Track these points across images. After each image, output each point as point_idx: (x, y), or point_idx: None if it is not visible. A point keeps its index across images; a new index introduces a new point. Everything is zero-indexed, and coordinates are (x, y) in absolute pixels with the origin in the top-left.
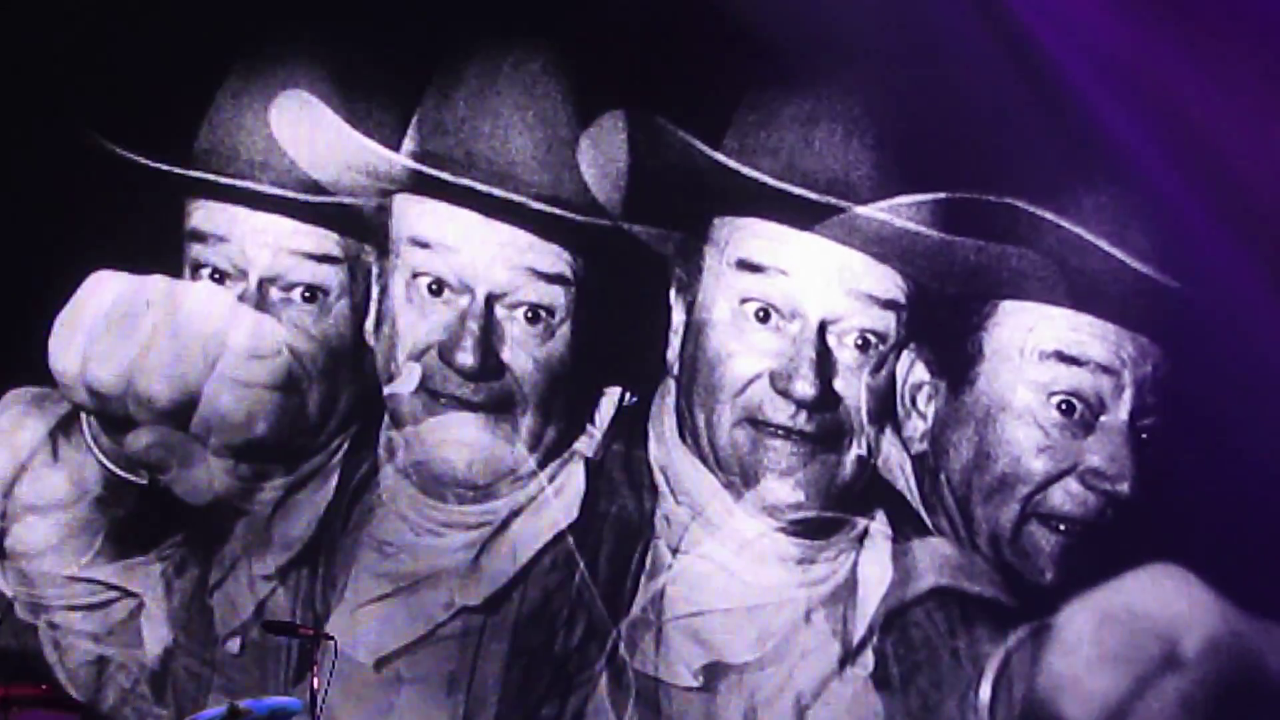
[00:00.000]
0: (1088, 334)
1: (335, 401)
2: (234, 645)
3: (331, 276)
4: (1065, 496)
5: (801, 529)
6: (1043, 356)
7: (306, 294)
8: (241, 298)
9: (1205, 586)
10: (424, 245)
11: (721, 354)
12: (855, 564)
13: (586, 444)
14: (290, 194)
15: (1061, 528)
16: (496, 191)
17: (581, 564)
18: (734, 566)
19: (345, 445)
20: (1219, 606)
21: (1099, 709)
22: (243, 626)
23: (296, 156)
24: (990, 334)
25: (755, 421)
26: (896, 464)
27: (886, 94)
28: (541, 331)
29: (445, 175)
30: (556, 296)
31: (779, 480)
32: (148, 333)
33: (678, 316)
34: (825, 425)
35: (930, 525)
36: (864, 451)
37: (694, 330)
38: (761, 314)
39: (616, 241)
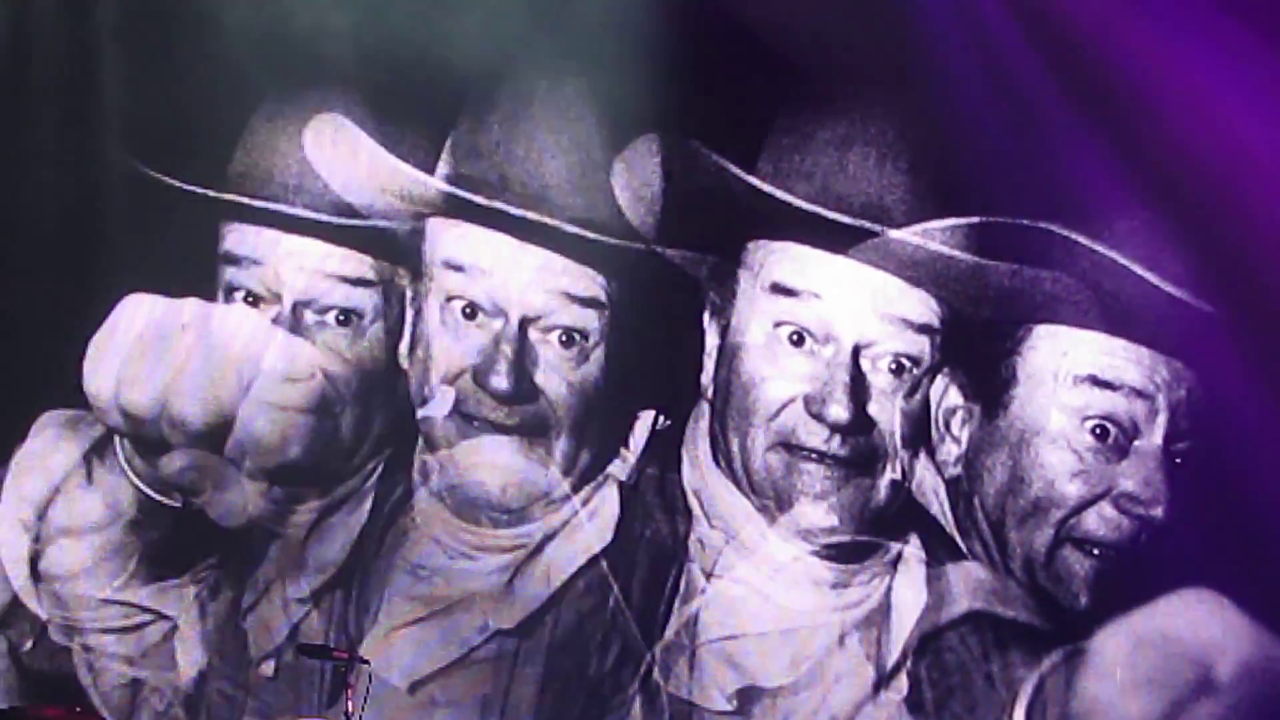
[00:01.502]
0: (1122, 358)
1: (369, 425)
2: (268, 668)
3: (365, 300)
4: (1099, 521)
5: (835, 553)
6: (1077, 381)
7: (340, 317)
8: (275, 321)
9: (1239, 611)
10: (458, 268)
11: (755, 378)
12: (889, 588)
13: (620, 467)
14: (324, 217)
15: (1095, 552)
16: (530, 215)
17: (615, 587)
18: (768, 590)
19: (379, 468)
20: (1253, 631)
21: None
22: (276, 649)
23: (330, 180)
24: (1024, 358)
25: (789, 445)
26: (930, 488)
27: (920, 117)
28: (575, 355)
29: (479, 198)
30: (590, 320)
31: (813, 504)
32: (182, 356)
33: (711, 340)
34: (859, 449)
35: (964, 549)
36: (898, 475)
37: (728, 354)
38: (795, 338)
39: (650, 265)
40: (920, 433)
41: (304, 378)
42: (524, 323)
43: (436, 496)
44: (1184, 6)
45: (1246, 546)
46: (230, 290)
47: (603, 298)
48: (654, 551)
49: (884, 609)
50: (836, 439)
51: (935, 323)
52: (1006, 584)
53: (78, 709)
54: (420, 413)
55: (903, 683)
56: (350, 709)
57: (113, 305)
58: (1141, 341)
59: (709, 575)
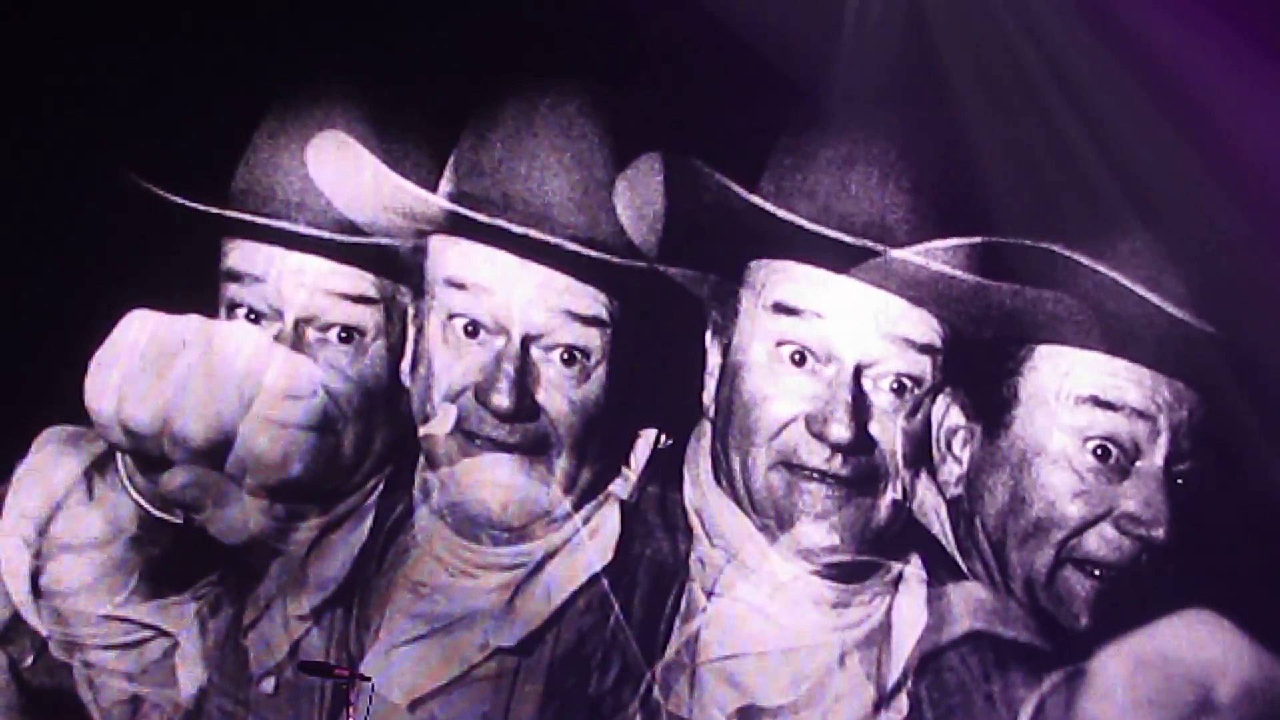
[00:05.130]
0: (1123, 379)
1: (371, 442)
2: (268, 685)
3: (367, 317)
4: (1100, 541)
5: (836, 572)
6: (1078, 401)
7: (343, 334)
8: (277, 338)
9: (1240, 632)
10: (460, 286)
11: (757, 397)
12: (890, 608)
13: (621, 486)
14: (326, 234)
15: (1096, 573)
16: (533, 233)
17: (616, 606)
18: (768, 610)
19: (380, 486)
20: (1254, 653)
21: None
22: (277, 666)
23: (333, 197)
24: (1026, 378)
25: (790, 465)
26: (931, 508)
27: (923, 137)
28: (577, 373)
29: (481, 216)
30: (592, 338)
31: (814, 524)
32: (183, 372)
33: (713, 359)
34: (860, 469)
35: (965, 569)
36: (899, 495)
37: (729, 373)
38: (797, 357)
39: (652, 284)
40: (922, 452)
41: (305, 395)
42: (526, 341)
43: (437, 514)
44: (1188, 25)
45: (1248, 568)
46: (232, 307)
47: (605, 316)
48: (655, 570)
49: (885, 629)
50: (838, 458)
51: (937, 342)
52: (1007, 604)
53: None
54: (422, 430)
55: (903, 703)
56: None
57: (114, 321)
58: (1143, 362)
59: (710, 594)
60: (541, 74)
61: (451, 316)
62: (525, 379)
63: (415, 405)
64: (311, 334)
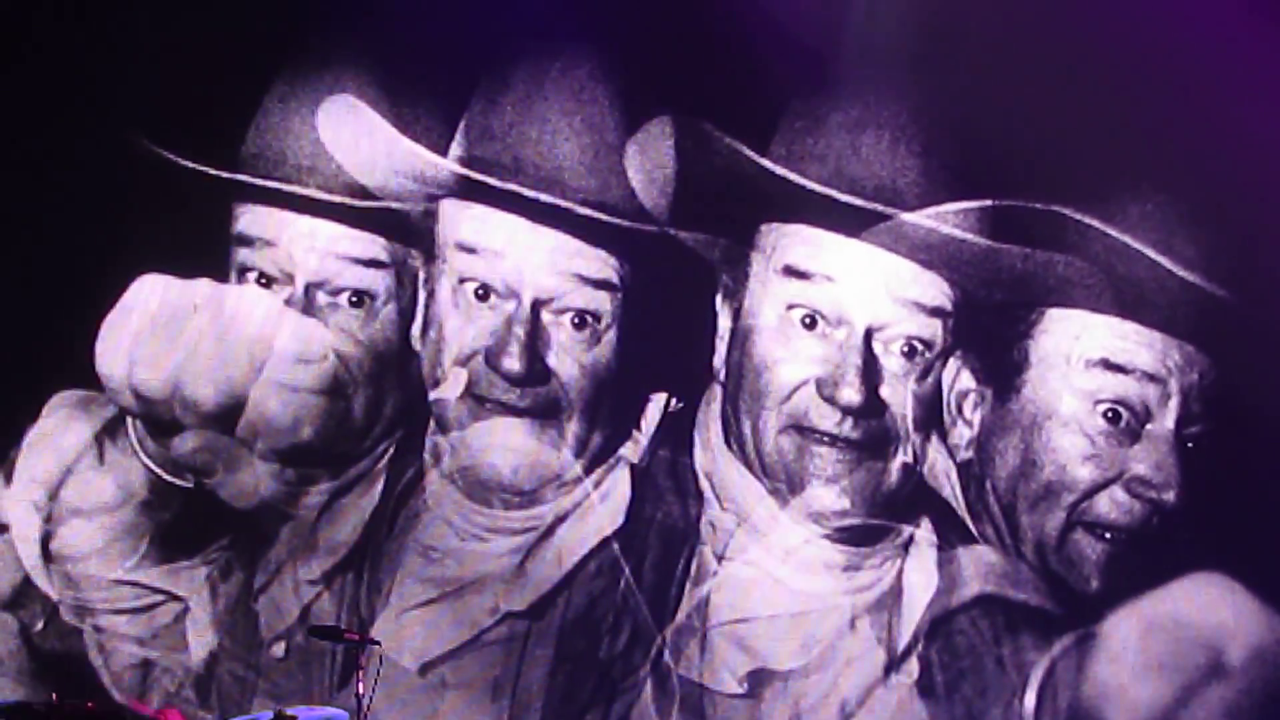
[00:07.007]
0: (1134, 342)
1: (381, 406)
2: (279, 649)
3: (378, 281)
4: (1111, 505)
5: (847, 536)
6: (1089, 364)
7: (353, 299)
8: (288, 302)
9: (1250, 595)
10: (471, 250)
11: (767, 360)
12: (900, 571)
13: (632, 450)
14: (337, 199)
15: (1107, 536)
16: (543, 197)
17: (627, 570)
18: (779, 573)
19: (391, 450)
20: (1264, 615)
21: (1144, 717)
22: (287, 631)
23: (343, 161)
24: (1036, 341)
25: (801, 428)
26: (942, 471)
27: (933, 101)
28: (588, 337)
29: (492, 180)
30: (603, 302)
31: (824, 487)
32: (194, 336)
33: (724, 323)
34: (871, 432)
35: (976, 533)
36: (910, 459)
37: (740, 336)
38: (808, 321)
39: (663, 247)
40: (932, 416)
41: (316, 359)
42: (536, 305)
43: (448, 478)
44: None
45: (1258, 531)
46: (243, 271)
47: (615, 280)
48: (665, 534)
49: (895, 592)
50: (848, 422)
51: (947, 306)
52: (1018, 567)
53: (89, 704)
54: (432, 394)
55: (913, 666)
56: (361, 690)
57: (125, 286)
58: (1154, 325)
59: (720, 558)
60: (552, 38)
61: (462, 280)
62: (536, 343)
63: (426, 369)
64: (322, 298)
